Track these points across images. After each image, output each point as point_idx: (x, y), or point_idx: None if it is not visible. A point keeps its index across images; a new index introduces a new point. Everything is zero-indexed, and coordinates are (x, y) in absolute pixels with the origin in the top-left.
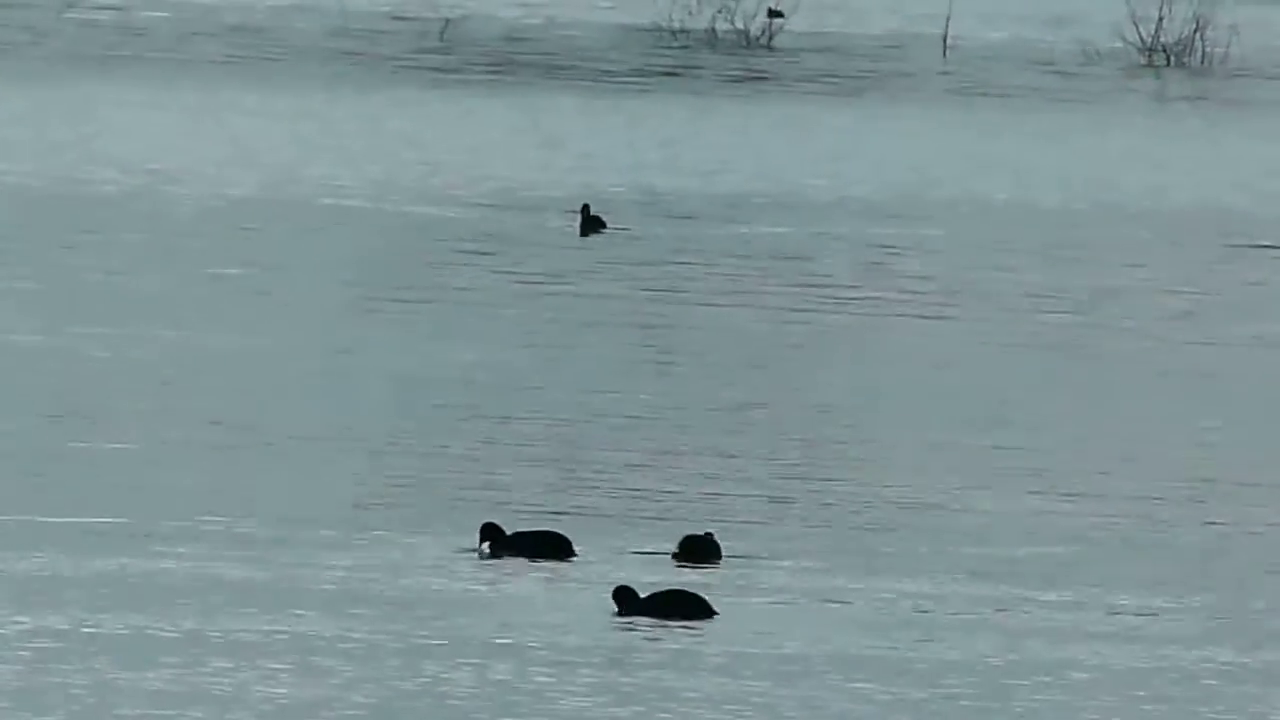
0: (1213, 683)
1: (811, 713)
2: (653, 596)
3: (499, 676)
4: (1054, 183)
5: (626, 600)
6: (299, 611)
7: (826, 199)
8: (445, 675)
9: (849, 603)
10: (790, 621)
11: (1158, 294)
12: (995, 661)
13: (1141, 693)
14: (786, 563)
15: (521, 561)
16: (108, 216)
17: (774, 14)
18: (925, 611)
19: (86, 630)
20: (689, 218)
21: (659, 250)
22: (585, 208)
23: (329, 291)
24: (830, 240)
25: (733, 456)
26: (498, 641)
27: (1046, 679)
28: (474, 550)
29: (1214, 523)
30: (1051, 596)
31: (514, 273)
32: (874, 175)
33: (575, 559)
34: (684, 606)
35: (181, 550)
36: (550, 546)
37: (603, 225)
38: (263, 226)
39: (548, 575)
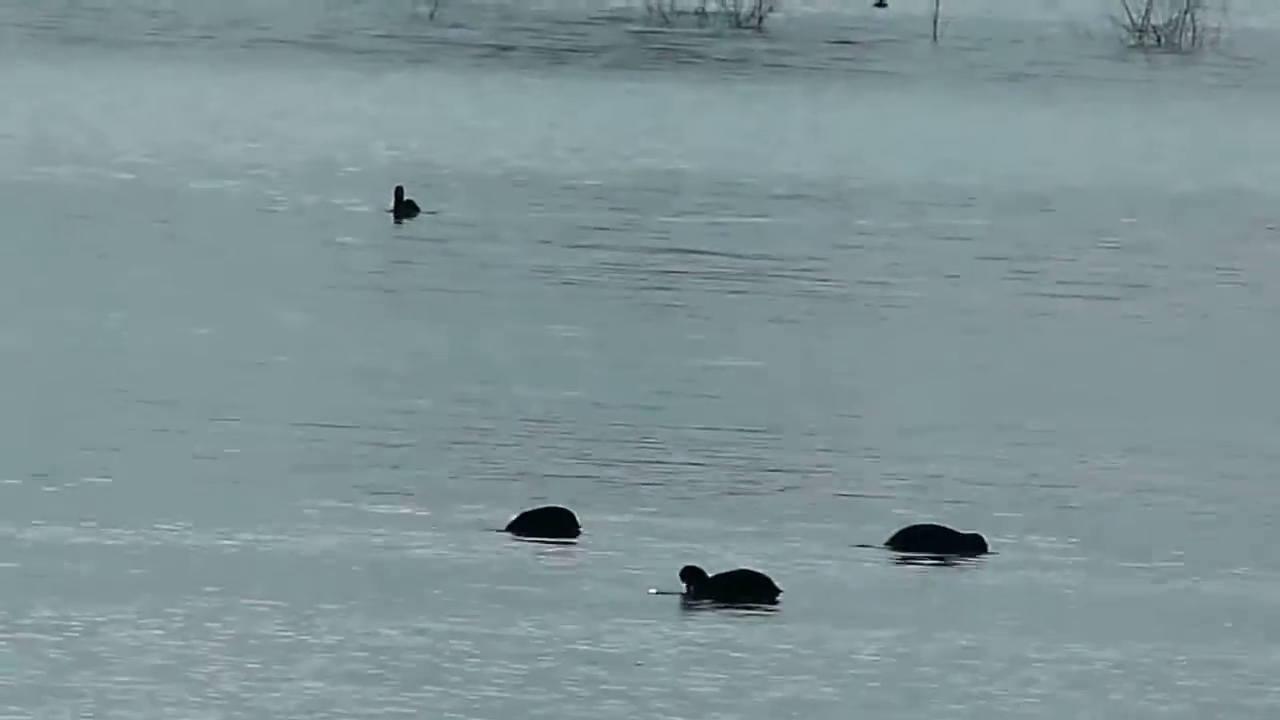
0: None
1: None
2: (720, 577)
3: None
4: (1043, 164)
5: (696, 581)
6: (293, 589)
7: (729, 182)
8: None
9: (921, 586)
10: (857, 607)
11: (1160, 275)
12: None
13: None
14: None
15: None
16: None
17: (880, 4)
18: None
19: (100, 613)
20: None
21: (465, 234)
22: (399, 190)
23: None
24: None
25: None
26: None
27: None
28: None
29: None
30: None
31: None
32: (776, 159)
33: (582, 535)
34: (751, 588)
35: (186, 531)
36: (554, 525)
37: (416, 210)
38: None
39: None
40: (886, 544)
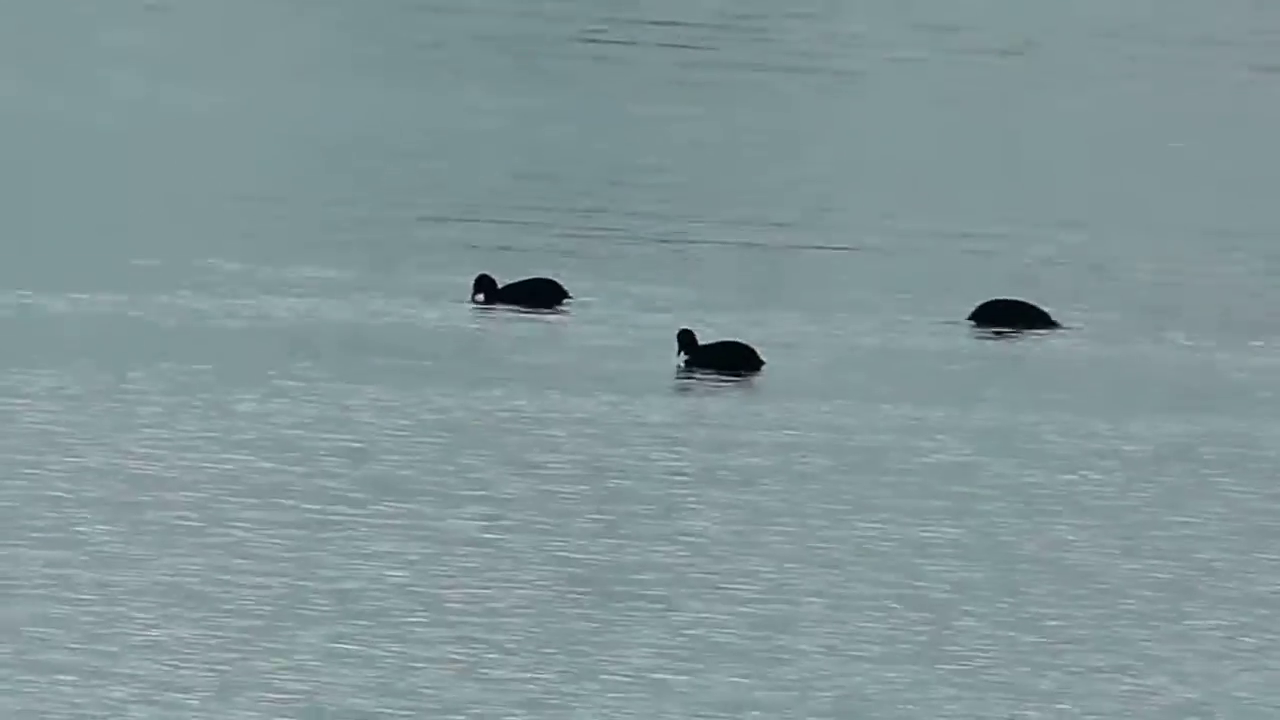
0: None
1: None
2: (707, 347)
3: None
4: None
5: (688, 346)
6: (258, 356)
7: None
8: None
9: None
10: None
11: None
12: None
13: None
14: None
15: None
16: None
17: None
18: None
19: (55, 378)
20: None
21: None
22: None
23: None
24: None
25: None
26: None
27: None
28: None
29: None
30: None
31: None
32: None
33: (569, 302)
34: (738, 357)
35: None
36: (542, 294)
37: None
38: None
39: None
40: (969, 318)
